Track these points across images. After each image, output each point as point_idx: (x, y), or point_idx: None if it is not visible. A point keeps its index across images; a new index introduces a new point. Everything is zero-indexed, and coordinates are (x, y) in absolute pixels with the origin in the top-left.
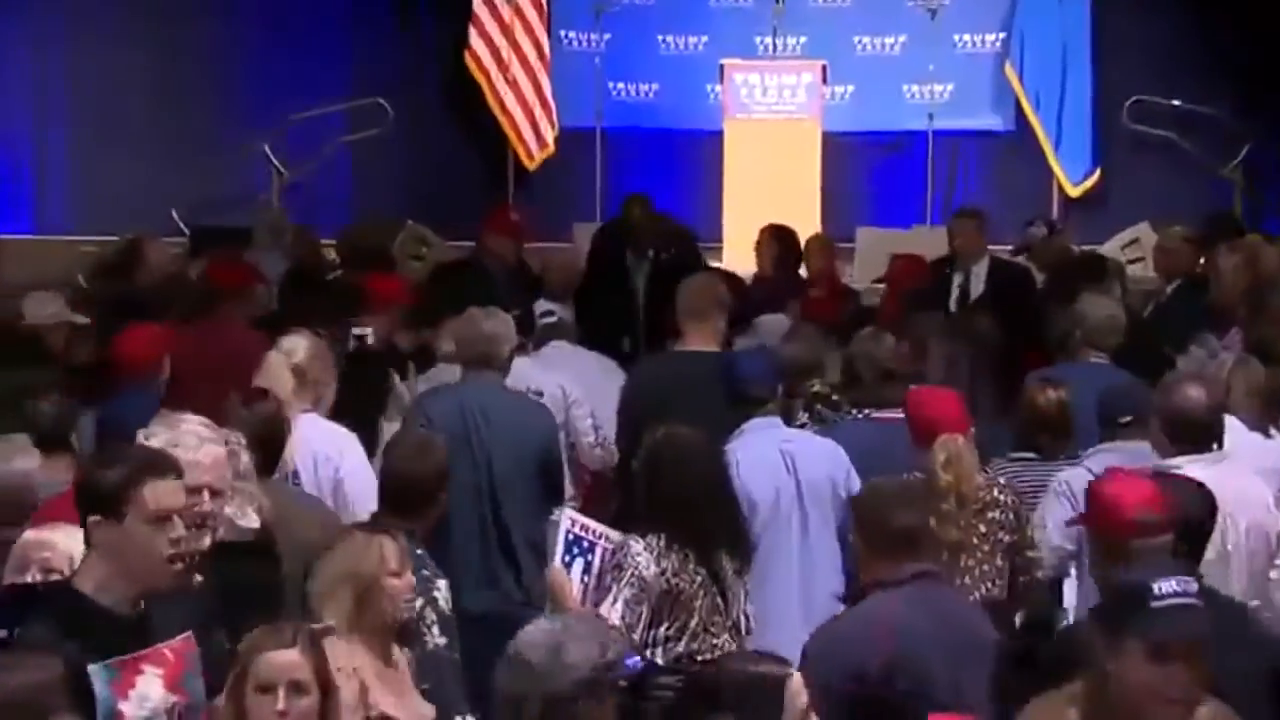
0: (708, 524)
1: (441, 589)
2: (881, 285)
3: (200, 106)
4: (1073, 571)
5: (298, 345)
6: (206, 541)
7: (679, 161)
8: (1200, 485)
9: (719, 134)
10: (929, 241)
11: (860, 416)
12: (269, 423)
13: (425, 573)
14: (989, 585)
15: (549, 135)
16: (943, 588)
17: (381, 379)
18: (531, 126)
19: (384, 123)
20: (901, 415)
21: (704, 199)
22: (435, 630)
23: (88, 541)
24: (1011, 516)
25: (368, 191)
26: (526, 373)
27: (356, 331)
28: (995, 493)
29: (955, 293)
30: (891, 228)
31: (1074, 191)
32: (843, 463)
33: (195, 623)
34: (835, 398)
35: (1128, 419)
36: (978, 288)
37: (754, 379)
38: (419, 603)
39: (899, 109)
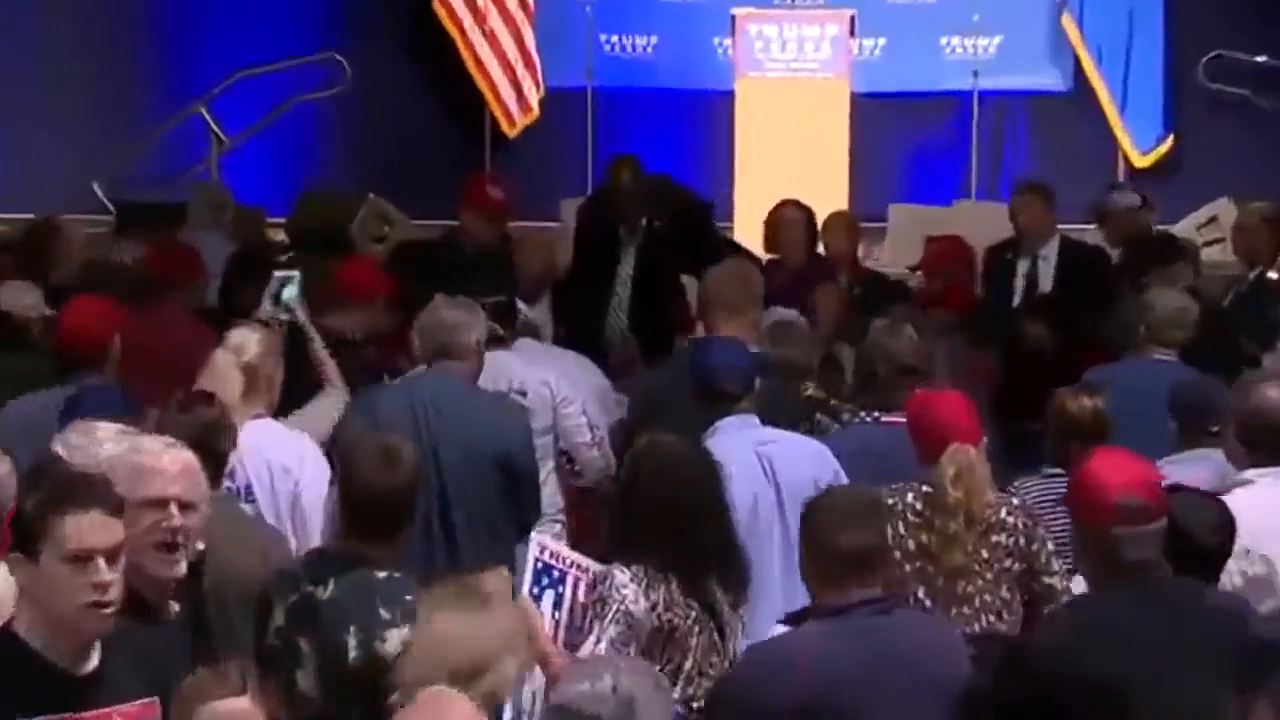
0: (693, 547)
1: None
2: (918, 272)
3: (127, 63)
4: None
5: (248, 340)
6: (180, 567)
7: (683, 128)
8: (1219, 503)
9: (729, 95)
10: (973, 220)
11: (869, 420)
12: (211, 430)
13: (408, 599)
14: (993, 617)
15: (532, 97)
16: (896, 619)
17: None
18: (512, 86)
19: (341, 82)
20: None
21: (712, 171)
22: None
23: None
24: (1022, 541)
25: (322, 162)
26: (508, 368)
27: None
28: (1004, 513)
29: (1021, 283)
30: (930, 204)
31: (1142, 161)
32: (829, 466)
33: (165, 671)
34: (833, 403)
35: (1216, 427)
36: (1047, 276)
37: (725, 370)
38: (406, 630)
39: (939, 66)
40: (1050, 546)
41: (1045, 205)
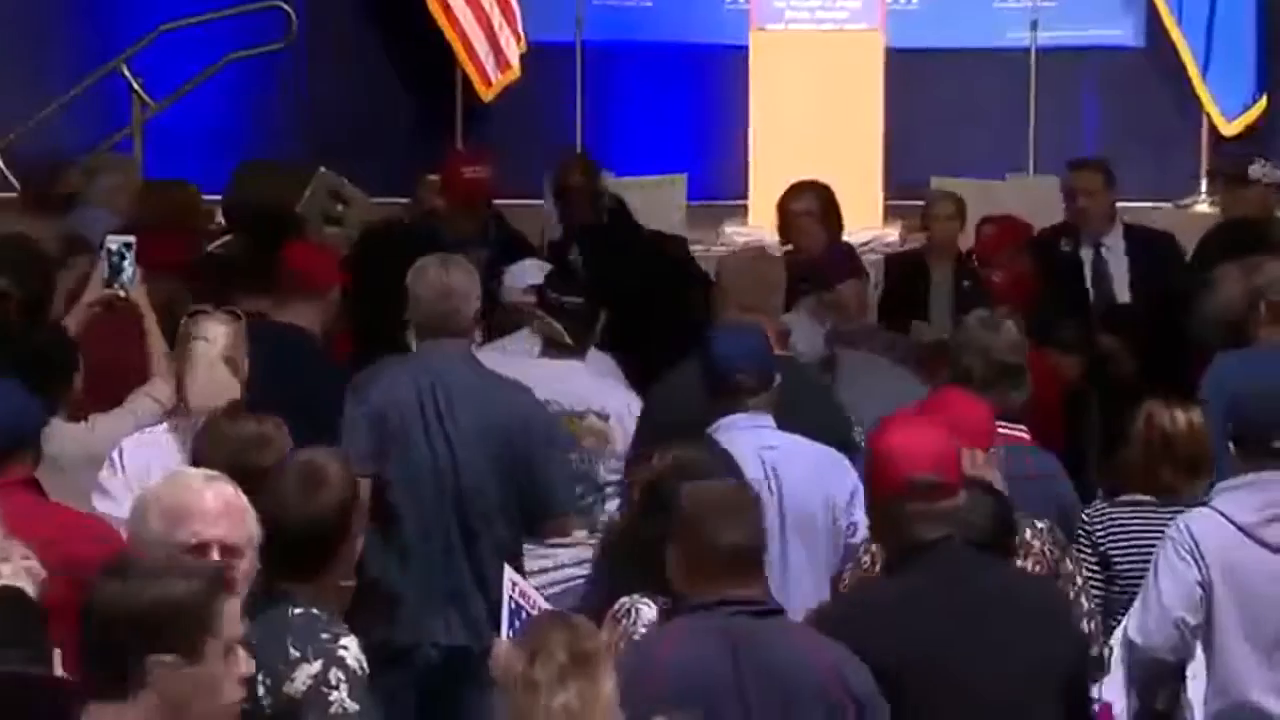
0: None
1: (350, 646)
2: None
3: (35, 13)
4: (1198, 652)
5: (217, 333)
6: None
7: (688, 89)
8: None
9: (743, 51)
10: (1030, 196)
11: None
12: (258, 445)
13: (324, 636)
14: None
15: (512, 54)
16: (772, 623)
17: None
18: (488, 41)
19: (285, 35)
20: (1015, 430)
21: (722, 140)
22: (344, 691)
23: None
24: (1047, 565)
25: (263, 129)
26: (583, 385)
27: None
28: (1027, 534)
29: (1089, 275)
30: (979, 178)
31: (1228, 128)
32: (847, 480)
33: None
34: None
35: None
36: (1118, 267)
37: (736, 360)
38: (317, 666)
39: (989, 16)
40: (1079, 581)
41: (1109, 186)
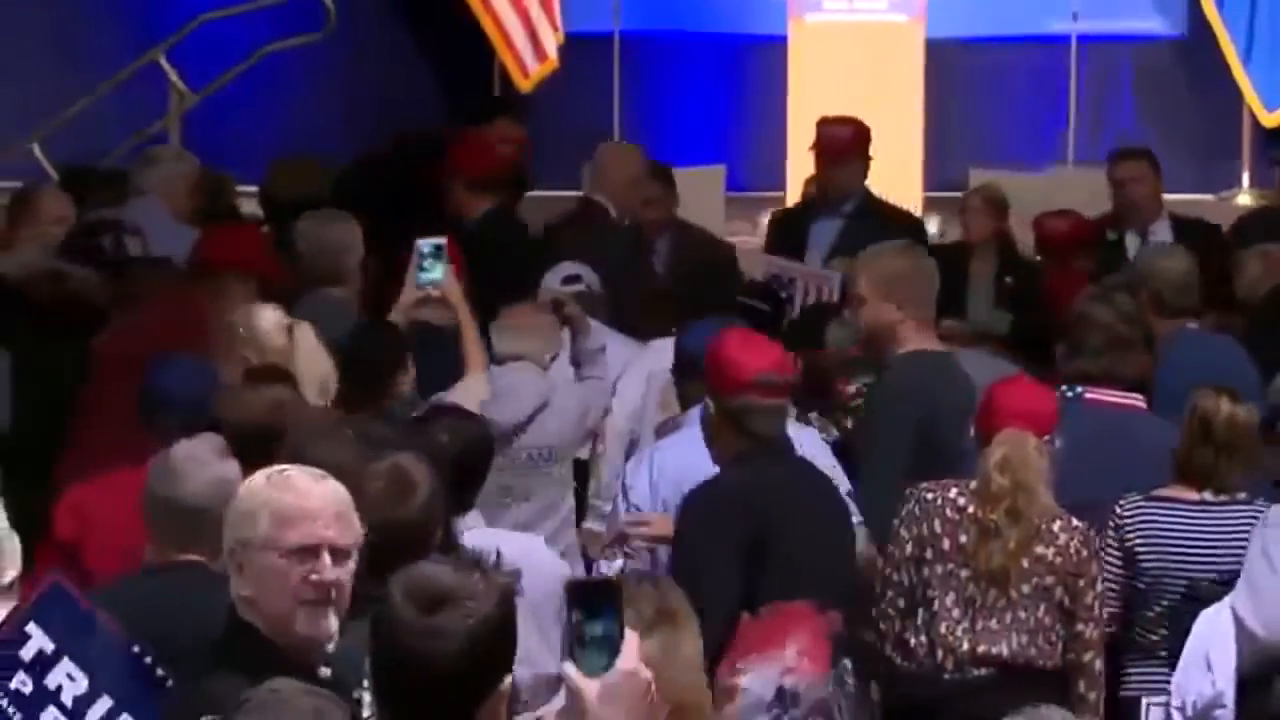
0: None
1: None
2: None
3: (73, 2)
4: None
5: (273, 321)
6: (332, 624)
7: (726, 80)
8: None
9: (781, 41)
10: (1071, 188)
11: (1070, 395)
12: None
13: None
14: (1023, 638)
15: (550, 45)
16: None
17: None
18: (526, 32)
19: (323, 26)
20: (1131, 399)
21: (760, 131)
22: None
23: None
24: (1070, 565)
25: (300, 120)
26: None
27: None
28: (1056, 526)
29: None
30: (1020, 170)
31: (1270, 119)
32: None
33: None
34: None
35: None
36: None
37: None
38: None
39: (1030, 7)
40: (1099, 588)
41: (1156, 175)
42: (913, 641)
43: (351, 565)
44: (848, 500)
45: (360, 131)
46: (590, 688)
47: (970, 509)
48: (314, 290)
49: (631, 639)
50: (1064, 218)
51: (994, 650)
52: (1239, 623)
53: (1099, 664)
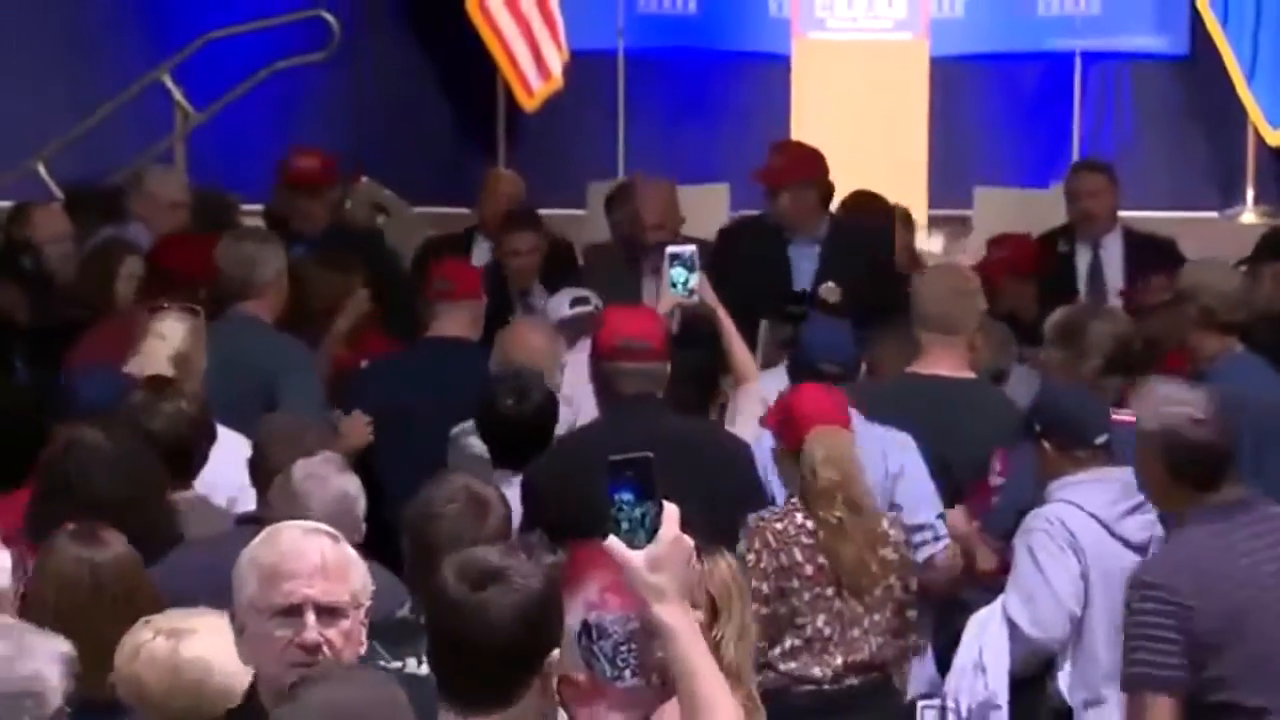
0: None
1: None
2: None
3: (77, 22)
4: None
5: (175, 329)
6: None
7: (730, 98)
8: None
9: (786, 60)
10: None
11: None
12: (182, 421)
13: None
14: (878, 643)
15: (554, 63)
16: None
17: None
18: (530, 50)
19: (327, 44)
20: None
21: (764, 149)
22: None
23: None
24: (903, 559)
25: (305, 139)
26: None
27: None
28: (886, 525)
29: (1085, 275)
30: (1023, 187)
31: (1274, 138)
32: (905, 450)
33: None
34: None
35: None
36: (1113, 268)
37: (823, 348)
38: None
39: (1032, 24)
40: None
41: (1113, 188)
42: (783, 666)
43: (347, 624)
44: (731, 462)
45: (365, 149)
46: (638, 558)
47: (819, 530)
48: (231, 305)
49: (671, 510)
50: (1001, 245)
51: (860, 657)
52: (1010, 624)
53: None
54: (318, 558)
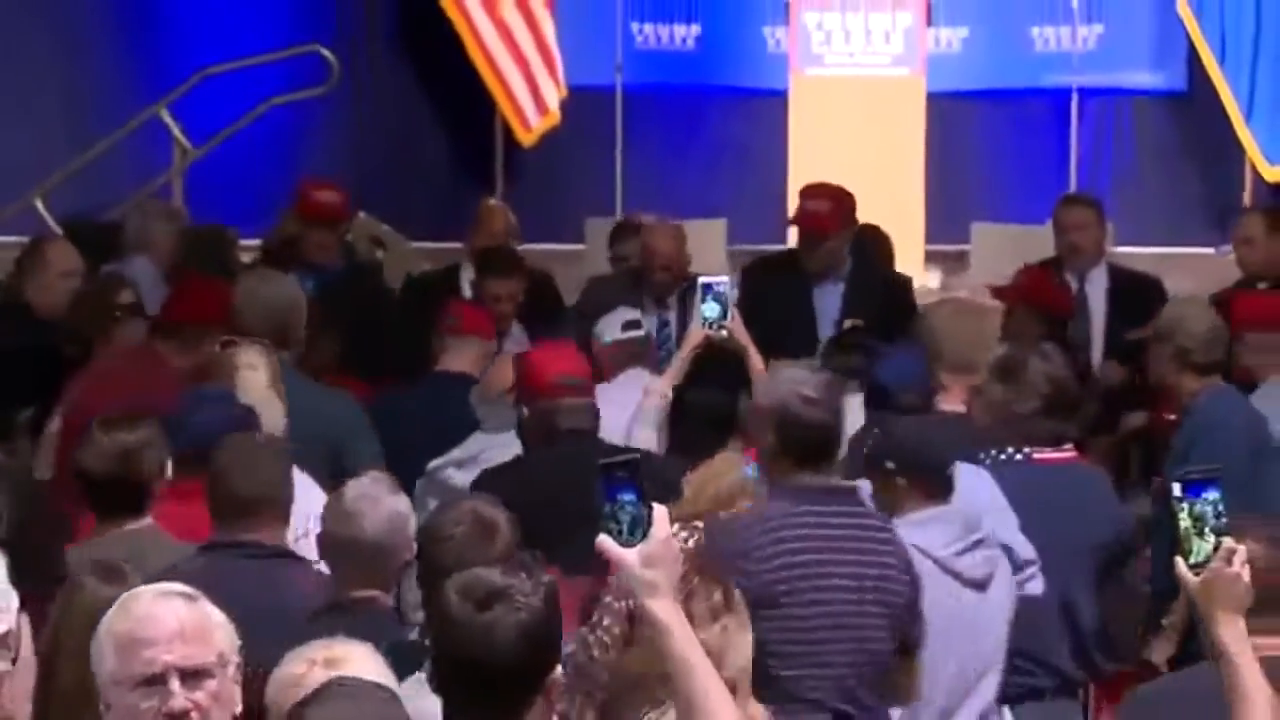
0: None
1: None
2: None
3: (75, 58)
4: None
5: (258, 361)
6: None
7: (727, 133)
8: None
9: (783, 95)
10: None
11: (1019, 457)
12: (134, 455)
13: None
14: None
15: (552, 98)
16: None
17: None
18: (528, 86)
19: (326, 80)
20: (1068, 455)
21: (761, 185)
22: None
23: None
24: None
25: (303, 174)
26: None
27: None
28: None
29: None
30: (1021, 223)
31: (1272, 174)
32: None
33: None
34: None
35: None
36: (1098, 301)
37: (901, 383)
38: None
39: (1030, 60)
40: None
41: (1101, 222)
42: None
43: (214, 684)
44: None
45: (362, 184)
46: (632, 555)
47: None
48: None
49: (661, 511)
50: (1026, 274)
51: None
52: None
53: None
54: (174, 622)
